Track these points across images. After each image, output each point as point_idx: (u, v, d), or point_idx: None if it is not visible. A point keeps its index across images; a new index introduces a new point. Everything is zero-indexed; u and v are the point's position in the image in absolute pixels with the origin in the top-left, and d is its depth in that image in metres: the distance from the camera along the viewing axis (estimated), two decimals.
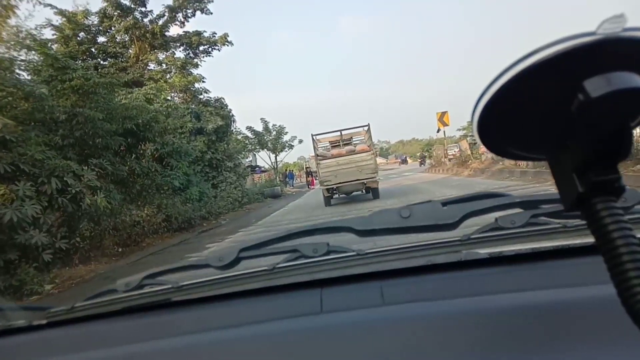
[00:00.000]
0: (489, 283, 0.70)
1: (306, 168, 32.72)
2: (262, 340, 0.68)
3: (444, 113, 22.46)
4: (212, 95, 18.99)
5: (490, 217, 0.78)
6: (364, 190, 12.58)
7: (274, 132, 34.40)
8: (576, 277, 0.67)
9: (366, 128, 13.30)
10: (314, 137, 13.40)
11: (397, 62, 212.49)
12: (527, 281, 0.69)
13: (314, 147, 13.34)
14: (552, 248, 0.75)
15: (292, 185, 34.13)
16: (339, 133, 13.96)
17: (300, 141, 35.19)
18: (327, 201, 12.76)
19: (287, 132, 35.69)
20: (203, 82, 18.45)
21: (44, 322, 0.86)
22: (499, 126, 0.35)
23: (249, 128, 33.47)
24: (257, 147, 34.32)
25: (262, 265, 0.85)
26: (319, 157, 12.92)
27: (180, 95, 17.89)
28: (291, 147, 35.77)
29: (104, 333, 0.82)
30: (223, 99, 19.15)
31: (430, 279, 0.75)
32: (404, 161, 62.19)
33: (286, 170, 36.63)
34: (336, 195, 12.97)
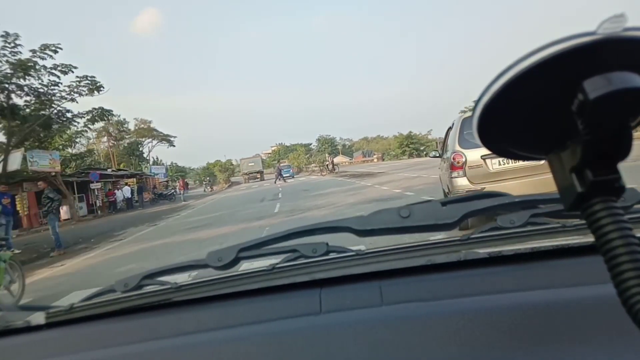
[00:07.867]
0: (489, 283, 0.70)
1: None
2: (261, 341, 0.68)
3: None
4: None
5: (490, 217, 0.78)
6: (258, 177, 51.03)
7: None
8: (576, 277, 0.67)
9: (260, 153, 71.58)
10: (242, 159, 56.36)
11: (353, 62, 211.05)
12: (526, 281, 0.69)
13: (243, 163, 55.15)
14: (551, 247, 0.75)
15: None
16: (252, 155, 59.03)
17: (98, 87, 17.23)
18: (246, 180, 49.84)
19: (68, 70, 16.05)
20: None
21: (42, 322, 0.86)
22: (499, 126, 0.34)
23: None
24: None
25: (261, 265, 0.85)
26: (244, 165, 54.46)
27: None
28: (100, 119, 17.34)
29: (103, 333, 0.81)
30: None
31: (430, 278, 0.75)
32: (368, 155, 60.89)
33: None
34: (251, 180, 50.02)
